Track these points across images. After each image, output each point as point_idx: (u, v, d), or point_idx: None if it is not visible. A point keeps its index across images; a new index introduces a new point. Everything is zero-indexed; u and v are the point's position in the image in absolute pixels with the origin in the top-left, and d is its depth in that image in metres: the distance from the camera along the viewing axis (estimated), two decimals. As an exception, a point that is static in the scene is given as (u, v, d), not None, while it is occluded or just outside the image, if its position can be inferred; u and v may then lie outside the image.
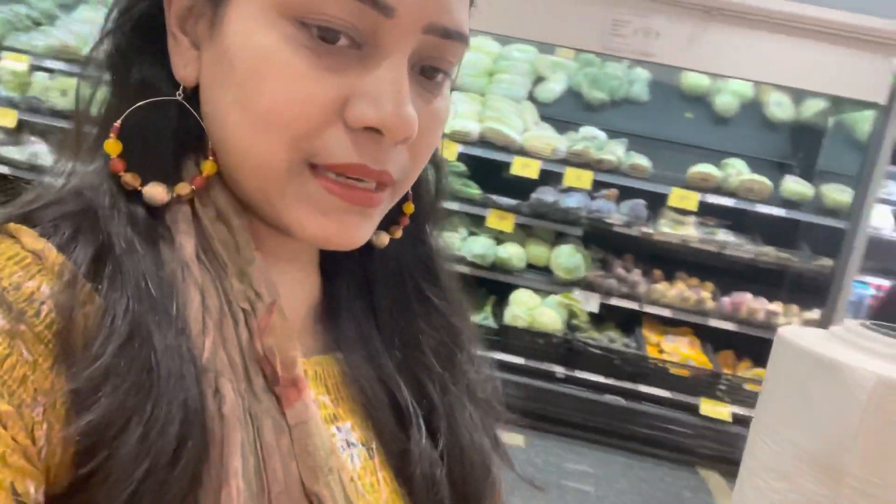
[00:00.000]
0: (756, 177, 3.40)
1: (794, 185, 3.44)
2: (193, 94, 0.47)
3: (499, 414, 0.61)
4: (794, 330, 0.74)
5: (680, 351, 3.51)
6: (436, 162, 0.58)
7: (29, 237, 0.41)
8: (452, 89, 0.50)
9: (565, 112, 3.68)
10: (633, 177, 3.41)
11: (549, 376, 3.36)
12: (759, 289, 3.53)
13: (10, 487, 0.34)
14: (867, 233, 3.35)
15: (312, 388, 0.47)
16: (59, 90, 3.22)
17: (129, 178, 0.44)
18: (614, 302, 3.47)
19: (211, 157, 0.46)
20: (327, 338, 0.54)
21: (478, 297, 3.51)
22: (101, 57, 0.47)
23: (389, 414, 0.52)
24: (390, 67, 0.42)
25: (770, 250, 3.49)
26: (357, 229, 0.46)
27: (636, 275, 3.49)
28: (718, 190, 3.42)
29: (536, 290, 3.47)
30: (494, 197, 3.42)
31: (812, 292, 3.49)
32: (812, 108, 3.66)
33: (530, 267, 3.55)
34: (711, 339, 3.62)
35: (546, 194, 3.42)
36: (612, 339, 3.48)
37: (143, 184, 0.45)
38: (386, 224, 0.54)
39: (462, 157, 3.34)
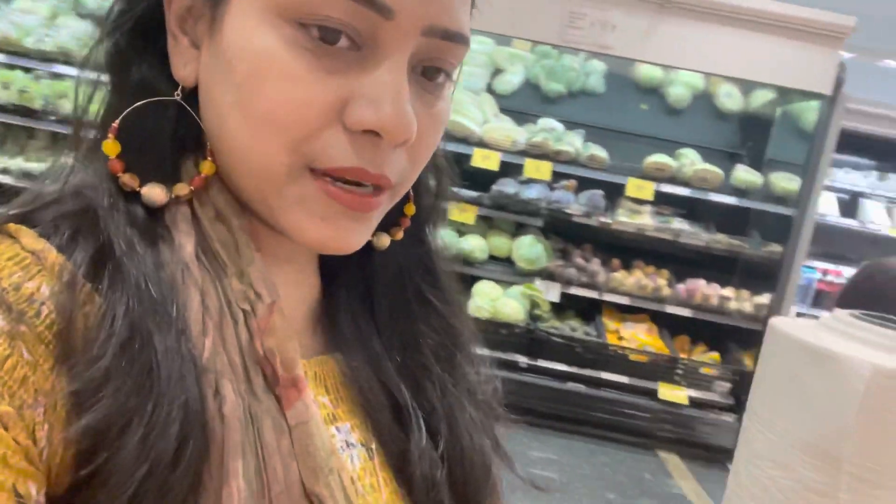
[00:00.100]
0: (708, 166, 3.49)
1: (744, 173, 3.55)
2: (192, 94, 0.46)
3: (499, 415, 0.61)
4: (786, 321, 0.77)
5: (638, 337, 3.59)
6: (437, 163, 0.58)
7: (29, 238, 0.41)
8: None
9: (523, 104, 3.72)
10: (591, 167, 3.46)
11: (513, 366, 3.40)
12: (712, 275, 3.65)
13: (12, 489, 0.34)
14: (814, 219, 3.49)
15: (312, 389, 0.47)
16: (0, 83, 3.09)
17: (128, 179, 0.44)
18: (574, 291, 3.53)
19: (210, 158, 0.46)
20: (326, 339, 0.54)
21: (440, 289, 3.51)
22: (99, 57, 0.46)
23: (389, 414, 0.52)
24: (389, 69, 0.42)
25: (722, 237, 3.60)
26: (353, 234, 0.45)
27: (595, 264, 3.56)
28: (673, 179, 3.50)
29: (498, 282, 3.50)
30: (455, 189, 3.42)
31: (762, 277, 3.62)
32: (760, 98, 3.78)
33: (492, 258, 3.58)
34: (668, 325, 3.72)
35: (507, 186, 3.45)
36: (574, 327, 3.54)
37: (142, 184, 0.44)
38: (386, 225, 0.53)
39: (422, 150, 3.33)
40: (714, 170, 3.48)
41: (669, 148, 3.65)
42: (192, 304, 0.42)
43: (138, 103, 0.45)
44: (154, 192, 0.44)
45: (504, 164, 3.37)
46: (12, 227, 0.41)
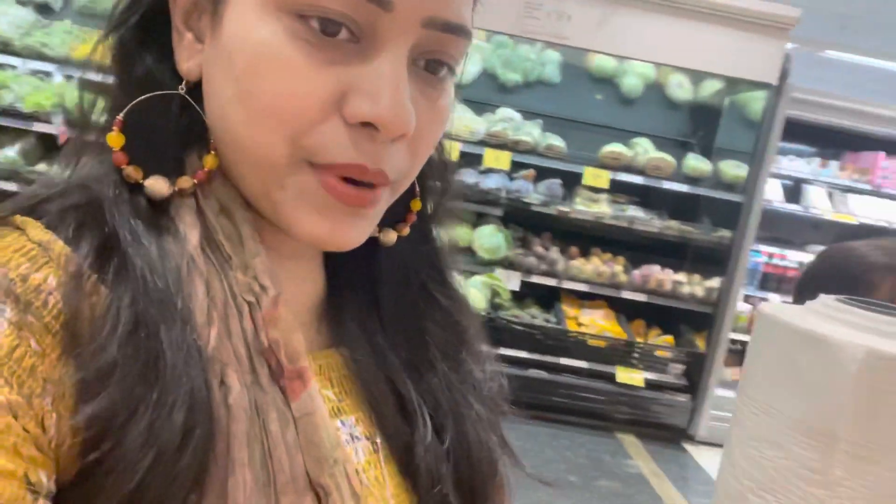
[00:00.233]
0: (661, 155, 3.58)
1: (694, 161, 3.65)
2: (197, 88, 0.46)
3: (505, 411, 0.61)
4: (775, 307, 0.80)
5: (597, 323, 3.67)
6: (443, 159, 0.58)
7: (35, 229, 0.41)
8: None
9: (481, 94, 3.73)
10: (549, 157, 3.51)
11: (475, 355, 3.42)
12: (665, 261, 3.75)
13: (24, 477, 0.35)
14: (761, 205, 3.62)
15: (317, 383, 0.47)
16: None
17: (131, 171, 0.44)
18: (534, 279, 3.58)
19: (213, 152, 0.46)
20: (331, 333, 0.54)
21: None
22: (104, 52, 0.46)
23: (394, 408, 0.52)
24: (388, 61, 0.42)
25: (674, 224, 3.70)
26: (351, 230, 0.45)
27: (554, 252, 3.61)
28: (628, 168, 3.58)
29: (460, 272, 3.51)
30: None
31: (712, 262, 3.75)
32: (709, 88, 3.89)
33: (453, 248, 3.59)
34: (624, 310, 3.82)
35: (467, 176, 3.46)
36: (534, 315, 3.59)
37: (146, 177, 0.44)
38: (392, 221, 0.53)
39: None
40: (667, 158, 3.57)
41: (624, 137, 3.73)
42: (197, 294, 0.42)
43: (143, 97, 0.45)
44: (157, 185, 0.44)
45: (463, 154, 3.38)
46: (19, 219, 0.41)
